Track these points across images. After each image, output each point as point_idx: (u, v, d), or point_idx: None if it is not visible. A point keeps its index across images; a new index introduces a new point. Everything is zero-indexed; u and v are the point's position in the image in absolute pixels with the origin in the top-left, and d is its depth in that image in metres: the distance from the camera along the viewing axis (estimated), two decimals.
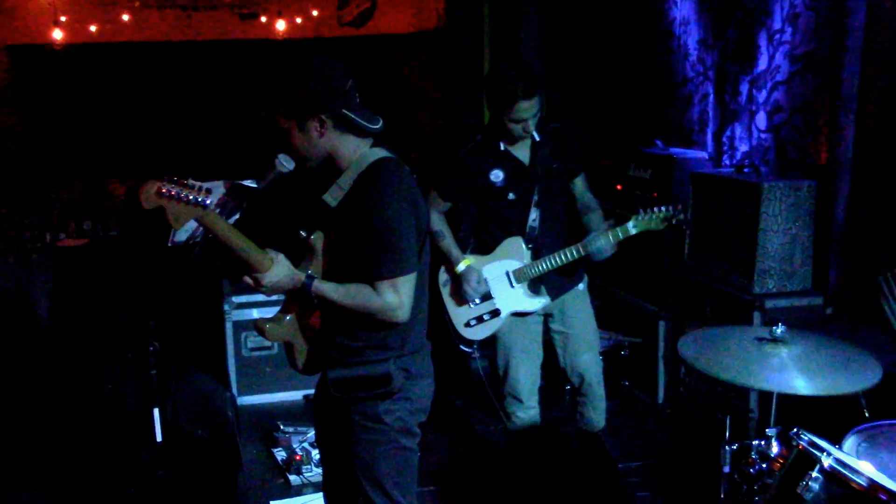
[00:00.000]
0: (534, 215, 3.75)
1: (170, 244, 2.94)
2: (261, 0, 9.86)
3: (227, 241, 2.44)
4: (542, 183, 3.75)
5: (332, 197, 2.53)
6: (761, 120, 4.64)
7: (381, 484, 2.61)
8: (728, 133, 4.94)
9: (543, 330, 3.96)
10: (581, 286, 3.97)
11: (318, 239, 2.57)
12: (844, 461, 1.89)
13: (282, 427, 4.74)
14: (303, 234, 2.57)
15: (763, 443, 2.20)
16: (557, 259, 3.73)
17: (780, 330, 2.49)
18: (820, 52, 4.19)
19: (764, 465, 2.15)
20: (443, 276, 3.89)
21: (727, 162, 4.95)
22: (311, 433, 4.61)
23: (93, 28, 9.50)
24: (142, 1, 9.48)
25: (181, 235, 2.80)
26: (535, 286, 3.82)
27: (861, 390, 2.36)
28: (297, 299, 2.60)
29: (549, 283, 3.83)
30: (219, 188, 2.54)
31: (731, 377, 2.25)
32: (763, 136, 4.64)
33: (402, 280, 2.45)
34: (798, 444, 1.95)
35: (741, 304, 4.16)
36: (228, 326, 5.25)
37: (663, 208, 3.67)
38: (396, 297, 2.44)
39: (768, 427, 2.47)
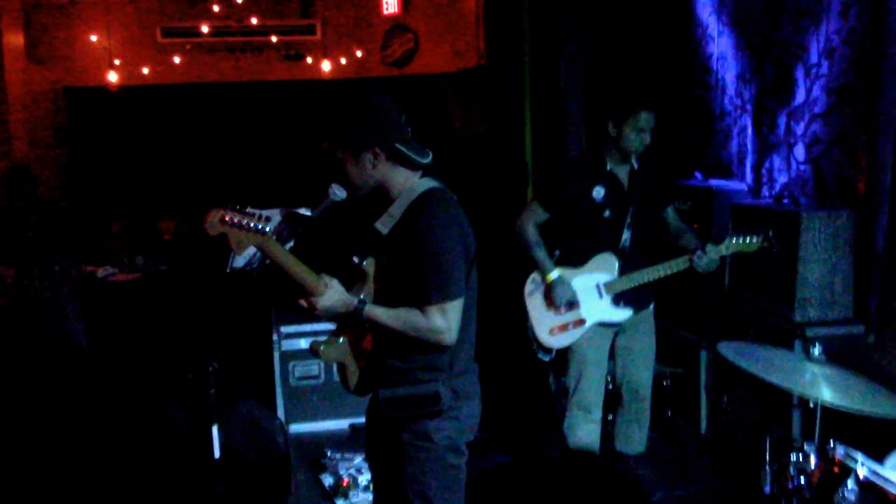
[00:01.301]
0: (626, 235, 4.08)
1: (228, 270, 3.10)
2: (306, 41, 10.16)
3: (284, 266, 2.58)
4: (636, 207, 4.06)
5: (383, 225, 2.66)
6: (800, 152, 4.72)
7: (430, 500, 2.70)
8: (767, 165, 5.02)
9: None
10: (651, 307, 4.25)
11: (369, 265, 2.71)
12: (879, 472, 1.96)
13: (329, 454, 4.86)
14: (355, 260, 2.71)
15: (801, 458, 2.27)
16: (658, 272, 4.00)
17: (817, 351, 2.57)
18: (857, 84, 4.27)
19: (802, 480, 2.22)
20: (529, 286, 4.16)
21: (766, 193, 5.02)
22: (358, 459, 4.73)
23: (145, 70, 9.85)
24: (193, 44, 9.82)
25: (239, 261, 2.96)
26: (617, 300, 4.08)
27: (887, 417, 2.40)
28: (349, 323, 2.72)
29: (629, 299, 4.09)
30: (275, 216, 2.69)
31: (764, 375, 2.33)
32: (802, 167, 4.71)
33: (451, 305, 2.57)
34: (833, 456, 2.03)
35: (782, 333, 4.20)
36: (276, 356, 5.41)
37: (755, 237, 3.92)
38: (445, 320, 2.56)
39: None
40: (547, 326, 4.12)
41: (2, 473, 4.47)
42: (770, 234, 3.89)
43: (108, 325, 6.56)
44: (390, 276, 2.69)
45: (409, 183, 2.67)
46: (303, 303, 2.63)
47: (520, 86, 6.45)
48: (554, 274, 4.05)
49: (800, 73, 4.67)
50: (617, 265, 4.06)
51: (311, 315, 2.65)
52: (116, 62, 9.49)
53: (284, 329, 5.41)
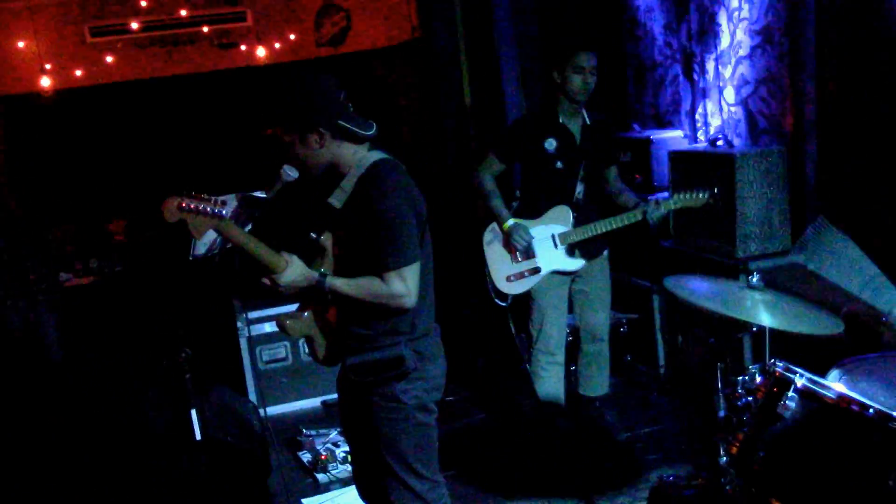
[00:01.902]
0: (580, 188, 4.27)
1: (191, 258, 3.17)
2: (238, 29, 10.10)
3: (243, 246, 2.68)
4: (588, 161, 4.24)
5: (336, 199, 2.76)
6: (730, 94, 4.89)
7: (404, 459, 2.83)
8: (700, 110, 5.20)
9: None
10: (605, 253, 4.46)
11: (326, 239, 2.81)
12: (816, 380, 2.14)
13: (304, 431, 4.97)
14: (313, 235, 2.80)
15: (747, 378, 2.44)
16: (611, 224, 4.17)
17: (755, 279, 2.74)
18: (776, 25, 4.44)
19: (749, 399, 2.39)
20: (488, 236, 4.35)
21: (702, 138, 5.20)
22: (333, 434, 4.86)
23: (78, 72, 9.72)
24: (123, 42, 9.71)
25: (200, 248, 3.03)
26: (570, 250, 4.27)
27: (820, 335, 2.60)
28: (312, 297, 2.83)
29: (583, 249, 4.30)
30: (231, 200, 2.77)
31: (708, 305, 2.50)
32: (732, 109, 4.89)
33: (408, 269, 2.67)
34: (774, 371, 2.20)
35: (727, 269, 4.40)
36: (243, 342, 5.48)
37: (702, 193, 4.11)
38: (403, 285, 2.67)
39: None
40: (504, 274, 4.31)
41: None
42: (716, 190, 4.10)
43: (71, 328, 6.58)
44: (347, 248, 2.79)
45: (357, 156, 2.76)
46: (266, 281, 2.72)
47: (455, 51, 6.55)
48: (510, 221, 4.22)
49: (723, 19, 4.83)
50: (571, 217, 4.25)
51: (275, 293, 2.74)
52: (48, 67, 9.35)
53: (250, 314, 5.47)
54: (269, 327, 5.45)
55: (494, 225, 4.33)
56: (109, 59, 9.70)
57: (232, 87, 9.62)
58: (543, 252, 4.27)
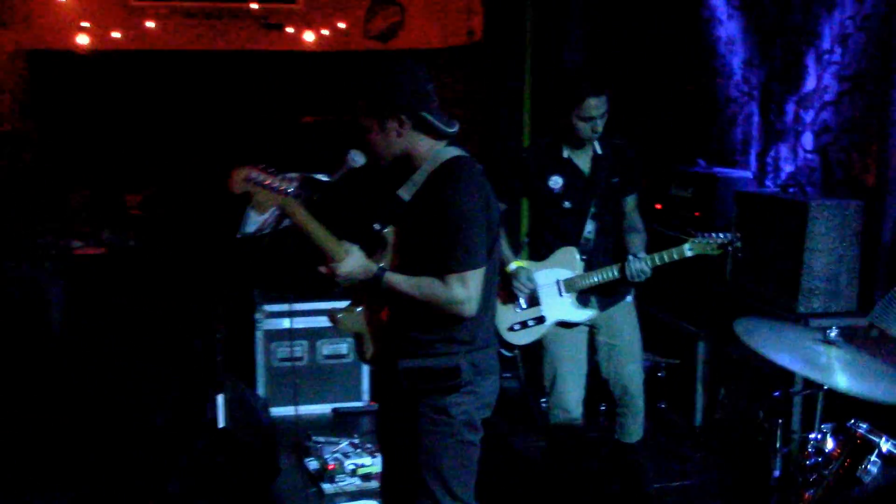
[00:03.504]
0: (590, 227, 3.97)
1: (238, 235, 3.18)
2: (286, 11, 10.18)
3: (305, 228, 2.67)
4: (600, 196, 3.96)
5: (405, 192, 2.75)
6: (808, 140, 4.88)
7: (442, 476, 2.78)
8: (772, 153, 5.18)
9: (588, 340, 4.17)
10: (629, 298, 4.19)
11: (390, 233, 2.80)
12: None
13: (313, 438, 4.95)
14: (377, 227, 2.80)
15: (819, 437, 2.42)
16: (600, 276, 3.94)
17: (833, 333, 2.72)
18: (870, 72, 4.43)
19: (819, 459, 2.37)
20: None
21: (770, 182, 5.18)
22: (344, 444, 4.84)
23: (116, 35, 9.80)
24: (167, 8, 9.80)
25: (250, 227, 3.04)
26: (583, 297, 4.02)
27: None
28: (368, 292, 2.81)
29: (599, 295, 4.04)
30: (293, 180, 2.78)
31: (780, 360, 2.47)
32: (809, 156, 4.87)
33: (471, 274, 2.64)
34: (856, 432, 2.18)
35: None
36: (259, 336, 5.47)
37: (720, 235, 3.88)
38: (465, 290, 2.63)
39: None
40: (507, 323, 4.04)
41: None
42: (738, 236, 3.87)
43: (77, 298, 6.61)
44: (411, 245, 2.76)
45: (432, 151, 2.74)
46: (322, 269, 2.71)
47: (520, 66, 6.56)
48: (511, 266, 3.97)
49: (810, 60, 4.82)
50: (578, 260, 3.99)
51: (331, 281, 2.73)
52: (85, 25, 9.44)
53: (268, 308, 5.48)
54: (288, 323, 5.45)
55: None
56: (150, 24, 9.79)
57: (272, 70, 9.68)
58: (548, 300, 3.99)
